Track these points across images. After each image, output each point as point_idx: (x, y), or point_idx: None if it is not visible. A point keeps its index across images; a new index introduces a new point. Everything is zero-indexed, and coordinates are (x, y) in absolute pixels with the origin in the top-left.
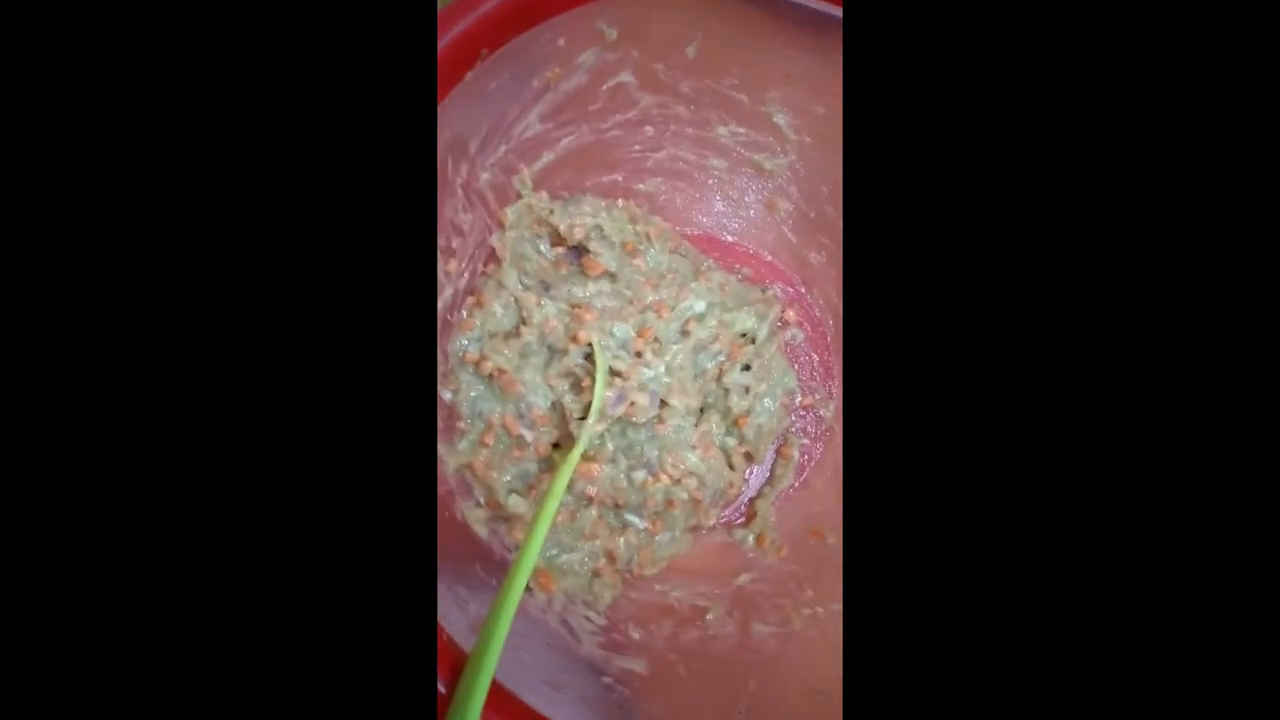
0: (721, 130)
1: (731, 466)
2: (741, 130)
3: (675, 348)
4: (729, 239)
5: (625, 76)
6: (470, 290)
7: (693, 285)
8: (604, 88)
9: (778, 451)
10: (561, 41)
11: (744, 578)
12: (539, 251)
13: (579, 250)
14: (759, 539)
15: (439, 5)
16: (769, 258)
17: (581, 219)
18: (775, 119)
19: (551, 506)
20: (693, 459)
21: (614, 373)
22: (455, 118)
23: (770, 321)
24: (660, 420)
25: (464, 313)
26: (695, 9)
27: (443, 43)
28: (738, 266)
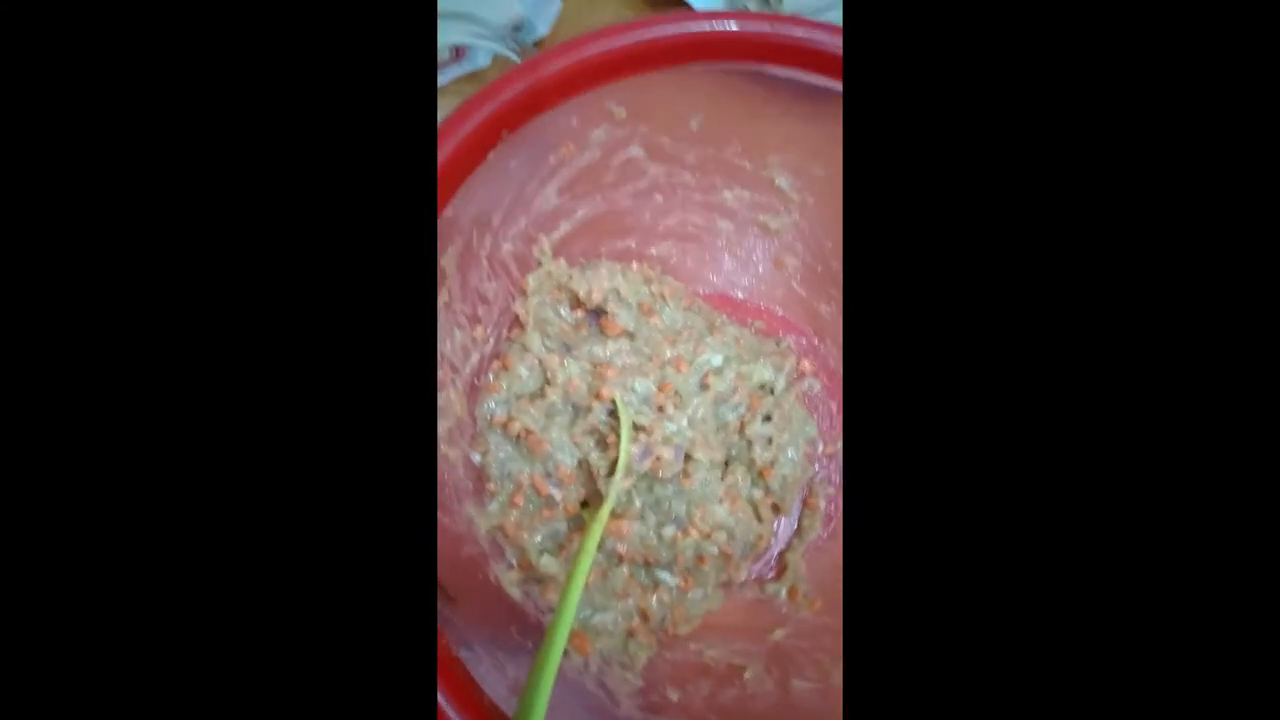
0: (727, 194)
1: (759, 518)
2: (746, 193)
3: (696, 401)
4: (740, 296)
5: (634, 150)
6: (496, 354)
7: (709, 340)
8: (615, 161)
9: (804, 502)
10: (574, 121)
11: (779, 633)
12: (559, 315)
13: (598, 313)
14: (791, 592)
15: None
16: (780, 312)
17: (599, 283)
18: (777, 182)
19: (584, 565)
20: (721, 512)
21: (638, 428)
22: (479, 194)
23: (787, 372)
24: (686, 475)
25: (491, 376)
26: (698, 87)
27: (469, 126)
28: (751, 321)
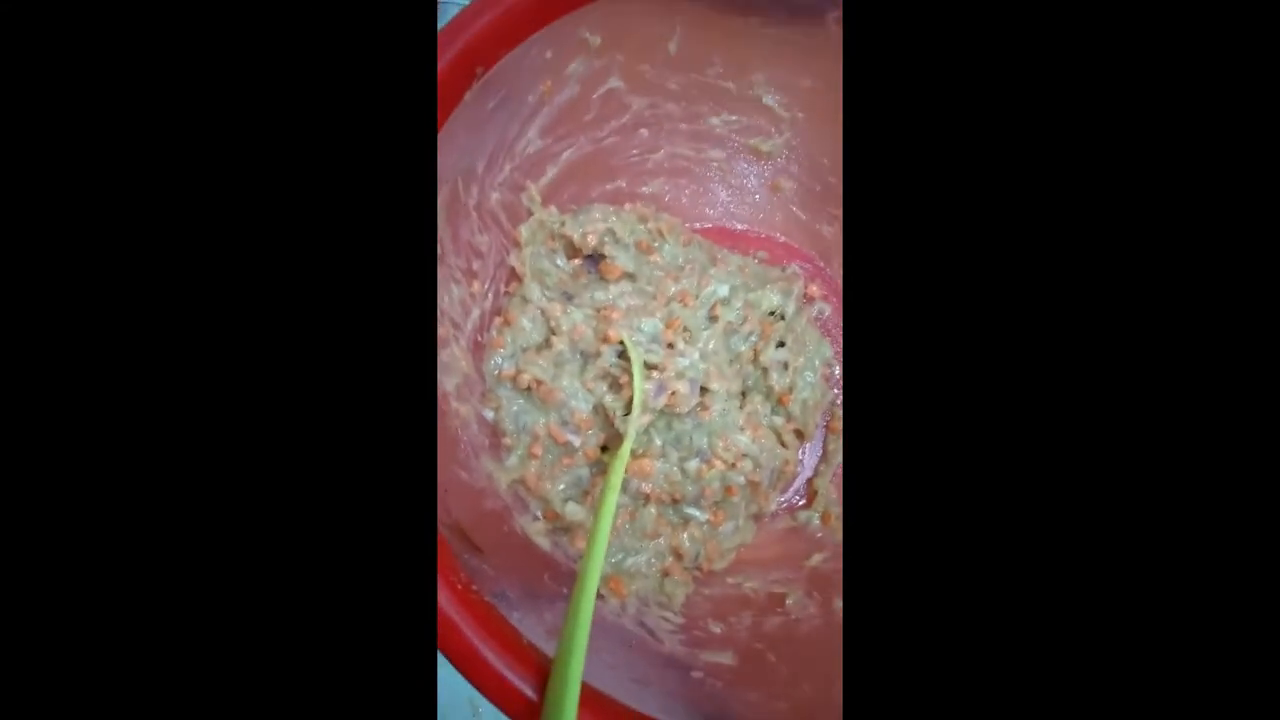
0: (714, 121)
1: (783, 444)
2: (734, 117)
3: (706, 333)
4: (739, 227)
5: (614, 82)
6: (496, 310)
7: (712, 272)
8: (595, 96)
9: (827, 427)
10: (549, 54)
11: (816, 558)
12: (556, 265)
13: (595, 257)
14: (824, 517)
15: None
16: (782, 239)
17: (593, 226)
18: (765, 100)
19: (609, 506)
20: (744, 440)
21: (649, 366)
22: (460, 140)
23: (796, 296)
24: (704, 407)
25: (494, 332)
26: (672, 6)
27: (440, 64)
28: (753, 252)
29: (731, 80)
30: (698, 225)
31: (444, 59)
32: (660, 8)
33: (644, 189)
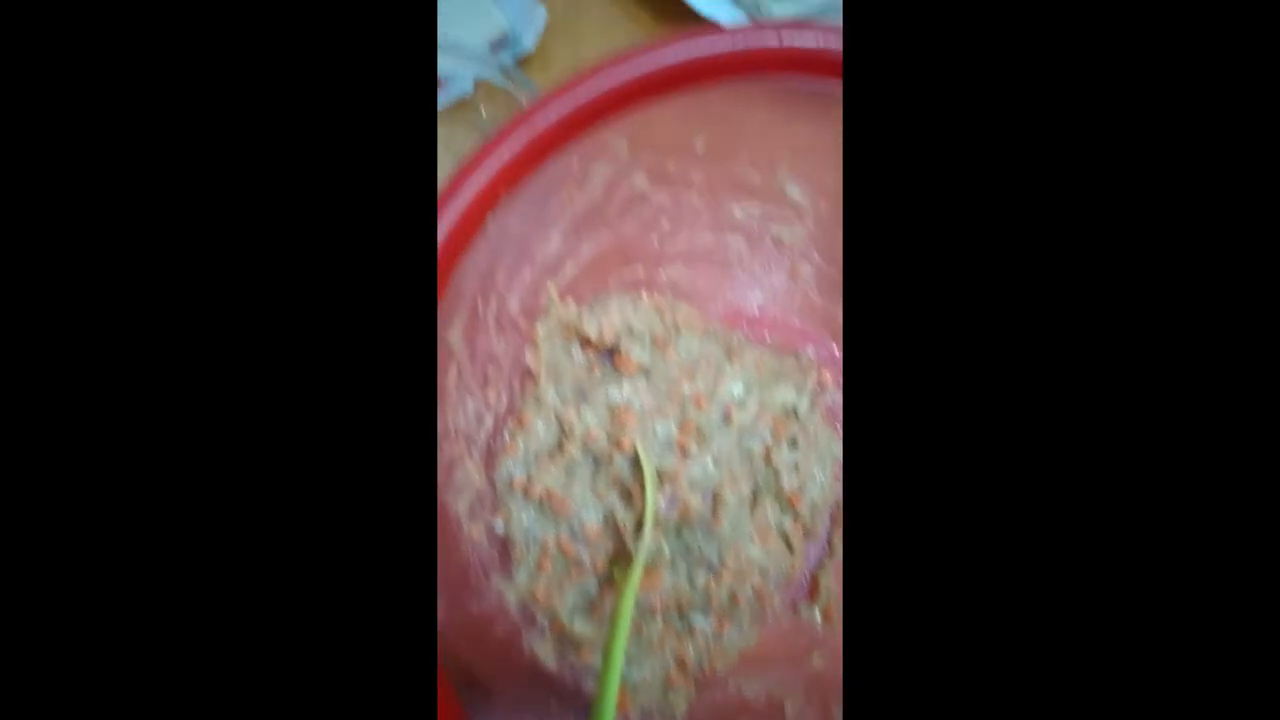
0: (736, 210)
1: (791, 548)
2: (756, 207)
3: (719, 437)
4: (756, 310)
5: (638, 179)
6: (510, 409)
7: (728, 369)
8: (619, 195)
9: (832, 518)
10: (575, 163)
11: (816, 658)
12: (572, 359)
13: (611, 351)
14: (825, 613)
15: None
16: (798, 322)
17: (610, 320)
18: (788, 191)
19: (622, 632)
20: (754, 551)
21: (662, 477)
22: (480, 260)
23: (810, 390)
24: (715, 515)
25: (507, 435)
26: (702, 106)
27: (466, 196)
28: (769, 335)
29: (757, 171)
30: (715, 309)
31: (470, 190)
32: (689, 111)
33: (662, 275)
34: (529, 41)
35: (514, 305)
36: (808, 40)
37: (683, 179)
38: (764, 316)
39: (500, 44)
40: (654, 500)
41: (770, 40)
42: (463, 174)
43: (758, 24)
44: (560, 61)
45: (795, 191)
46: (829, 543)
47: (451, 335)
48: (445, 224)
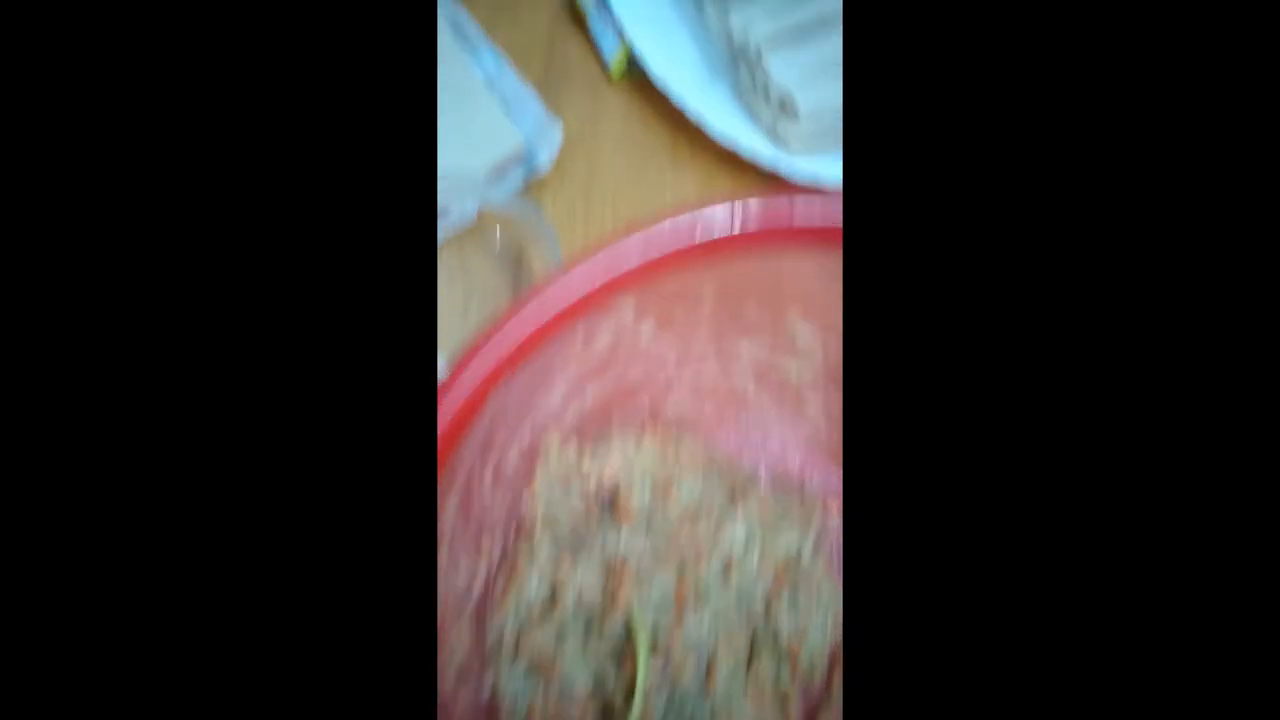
0: (744, 347)
1: (787, 713)
2: (764, 346)
3: (718, 593)
4: (761, 440)
5: (645, 330)
6: (504, 556)
7: (730, 514)
8: (624, 348)
9: (831, 659)
10: (579, 334)
11: None
12: (570, 502)
13: (611, 494)
14: None
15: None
16: (803, 452)
17: (611, 464)
18: (797, 330)
19: None
20: (748, 712)
21: (655, 640)
22: (478, 436)
23: (815, 530)
24: (709, 677)
25: (499, 590)
26: (713, 266)
27: (468, 384)
28: (774, 467)
29: (766, 312)
30: (721, 442)
31: (472, 377)
32: (700, 275)
33: (667, 407)
34: (544, 160)
35: (512, 458)
36: (823, 208)
37: (690, 325)
38: (770, 445)
39: (513, 161)
40: (646, 669)
41: (782, 207)
42: (462, 364)
43: (772, 198)
44: (576, 179)
45: (804, 330)
46: (828, 687)
47: (448, 502)
48: (445, 418)
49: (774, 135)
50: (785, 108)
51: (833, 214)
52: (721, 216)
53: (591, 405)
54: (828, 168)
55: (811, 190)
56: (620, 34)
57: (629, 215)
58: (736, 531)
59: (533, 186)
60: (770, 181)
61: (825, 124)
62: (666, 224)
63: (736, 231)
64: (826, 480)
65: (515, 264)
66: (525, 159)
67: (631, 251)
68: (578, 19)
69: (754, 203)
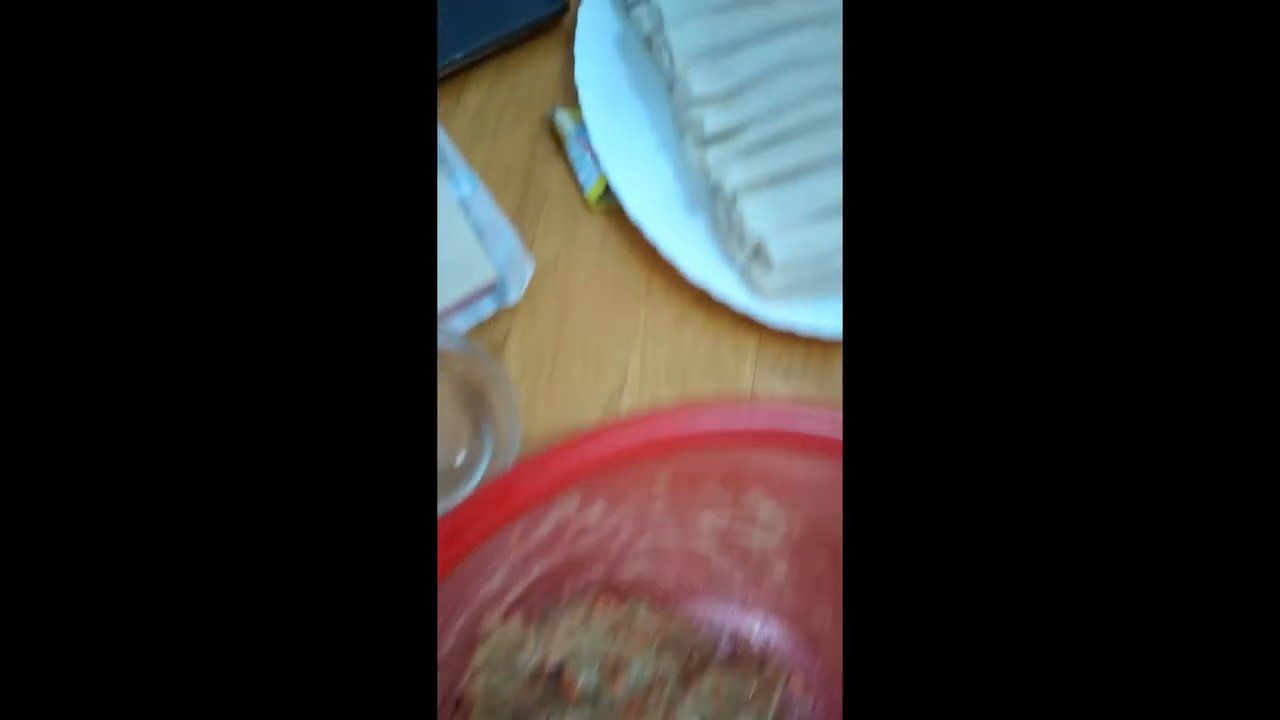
0: (705, 518)
1: None
2: (725, 518)
3: None
4: (722, 606)
5: (596, 510)
6: None
7: (682, 702)
8: (572, 528)
9: None
10: (520, 524)
11: None
12: (513, 676)
13: (557, 673)
14: None
15: None
16: (765, 621)
17: (556, 642)
18: (760, 508)
19: None
20: None
21: None
22: None
23: (775, 707)
24: None
25: None
26: (663, 461)
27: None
28: (735, 637)
29: (728, 490)
30: (677, 608)
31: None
32: (653, 470)
33: (623, 574)
34: (515, 294)
35: (449, 643)
36: (803, 426)
37: (646, 500)
38: (731, 613)
39: (484, 291)
40: None
41: (761, 423)
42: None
43: (752, 406)
44: (548, 311)
45: (766, 504)
46: None
47: None
48: None
49: (748, 278)
50: (759, 255)
51: (796, 419)
52: (679, 418)
53: (539, 578)
54: (805, 317)
55: (770, 401)
56: (598, 163)
57: (599, 349)
58: (687, 716)
59: (503, 315)
60: (744, 321)
61: (800, 276)
62: (623, 422)
63: (696, 430)
64: (791, 651)
65: (473, 402)
66: (497, 291)
67: (585, 450)
68: (558, 142)
69: (713, 408)
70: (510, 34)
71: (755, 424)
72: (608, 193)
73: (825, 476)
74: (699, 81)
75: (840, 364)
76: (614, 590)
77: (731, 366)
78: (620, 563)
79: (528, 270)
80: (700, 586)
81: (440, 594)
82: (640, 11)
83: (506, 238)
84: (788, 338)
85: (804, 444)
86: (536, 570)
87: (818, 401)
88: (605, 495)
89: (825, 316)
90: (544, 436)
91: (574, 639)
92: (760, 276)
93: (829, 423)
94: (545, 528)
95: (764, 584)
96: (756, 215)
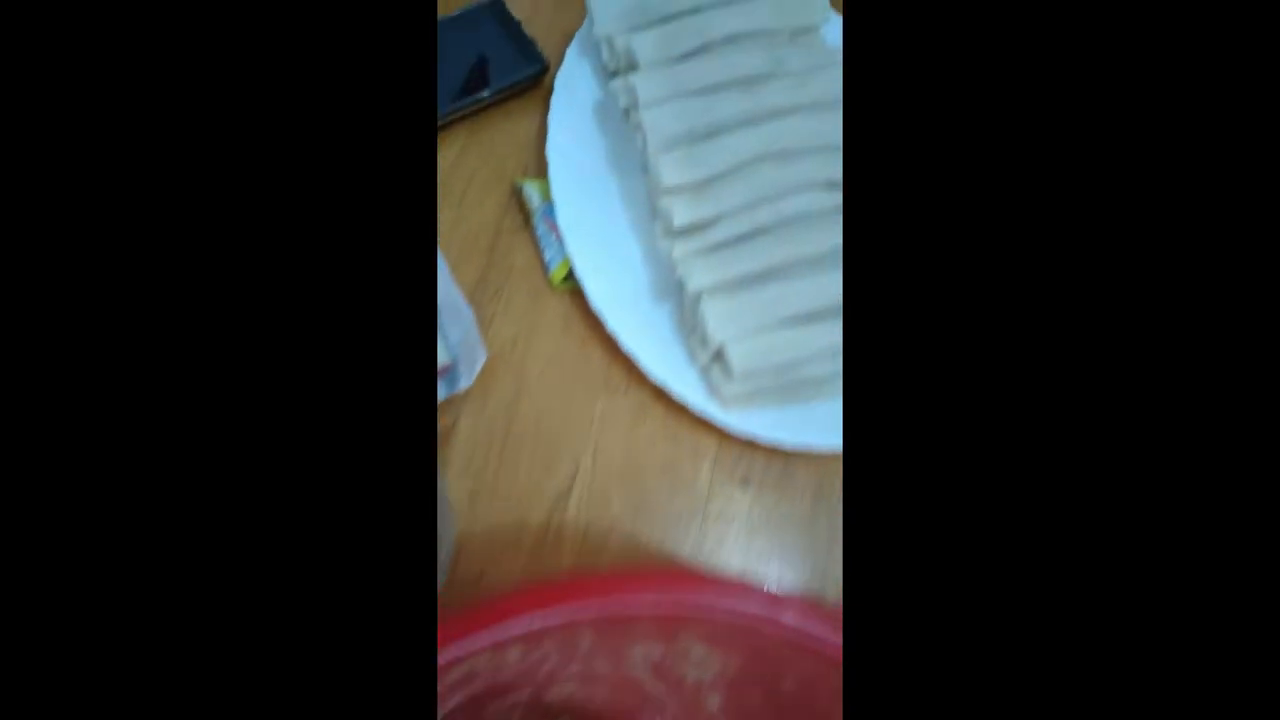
0: (637, 649)
1: None
2: (658, 653)
3: None
4: None
5: (512, 655)
6: None
7: None
8: (490, 663)
9: None
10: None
11: None
12: None
13: None
14: None
15: None
16: None
17: None
18: (691, 648)
19: None
20: None
21: None
22: None
23: None
24: None
25: None
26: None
27: None
28: None
29: (660, 632)
30: None
31: None
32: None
33: (551, 696)
34: (466, 380)
35: None
36: (788, 619)
37: (569, 639)
38: None
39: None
40: None
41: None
42: None
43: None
44: (500, 397)
45: (699, 650)
46: None
47: None
48: None
49: (709, 381)
50: (720, 359)
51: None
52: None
53: (460, 704)
54: (765, 427)
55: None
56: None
57: (551, 441)
58: None
59: (454, 400)
60: (705, 420)
61: (762, 384)
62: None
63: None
64: None
65: None
66: (449, 376)
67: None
68: (526, 215)
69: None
70: (488, 96)
71: (683, 610)
72: (572, 275)
73: (759, 621)
74: (671, 172)
75: (801, 473)
76: (542, 710)
77: (689, 469)
78: (548, 685)
79: (481, 357)
80: (634, 707)
81: None
82: (617, 85)
83: (464, 319)
84: (749, 441)
85: (731, 624)
86: (456, 699)
87: (739, 586)
88: (521, 646)
89: (787, 427)
90: (486, 534)
91: None
92: (720, 382)
93: (757, 604)
94: (460, 670)
95: (699, 714)
96: (719, 319)
